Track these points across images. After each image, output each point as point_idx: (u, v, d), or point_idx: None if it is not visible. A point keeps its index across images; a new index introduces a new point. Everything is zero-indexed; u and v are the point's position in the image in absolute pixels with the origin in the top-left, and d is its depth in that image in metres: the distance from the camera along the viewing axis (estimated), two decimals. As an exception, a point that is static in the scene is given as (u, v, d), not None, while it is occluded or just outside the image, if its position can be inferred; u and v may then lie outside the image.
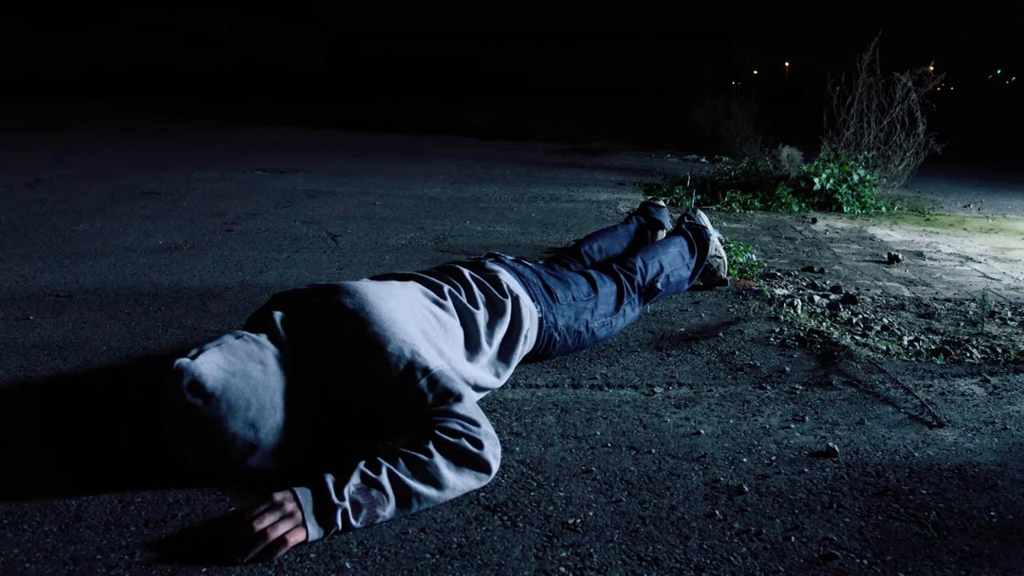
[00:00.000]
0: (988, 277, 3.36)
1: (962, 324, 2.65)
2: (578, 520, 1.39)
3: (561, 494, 1.48)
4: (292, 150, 7.68)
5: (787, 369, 2.16)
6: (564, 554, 1.29)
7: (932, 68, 5.78)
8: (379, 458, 1.41)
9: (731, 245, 3.39)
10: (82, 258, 3.17)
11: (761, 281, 3.11)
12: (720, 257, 2.91)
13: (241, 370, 1.45)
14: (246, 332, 1.57)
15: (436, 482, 1.41)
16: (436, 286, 1.86)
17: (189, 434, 1.41)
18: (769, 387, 2.04)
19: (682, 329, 2.48)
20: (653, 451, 1.66)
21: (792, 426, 1.80)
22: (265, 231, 3.80)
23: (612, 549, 1.31)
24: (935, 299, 2.95)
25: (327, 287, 1.70)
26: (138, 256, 3.23)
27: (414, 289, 1.80)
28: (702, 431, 1.76)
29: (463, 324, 1.83)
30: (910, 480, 1.57)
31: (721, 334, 2.44)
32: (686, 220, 2.84)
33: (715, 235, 2.86)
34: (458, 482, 1.43)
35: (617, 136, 10.31)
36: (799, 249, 3.82)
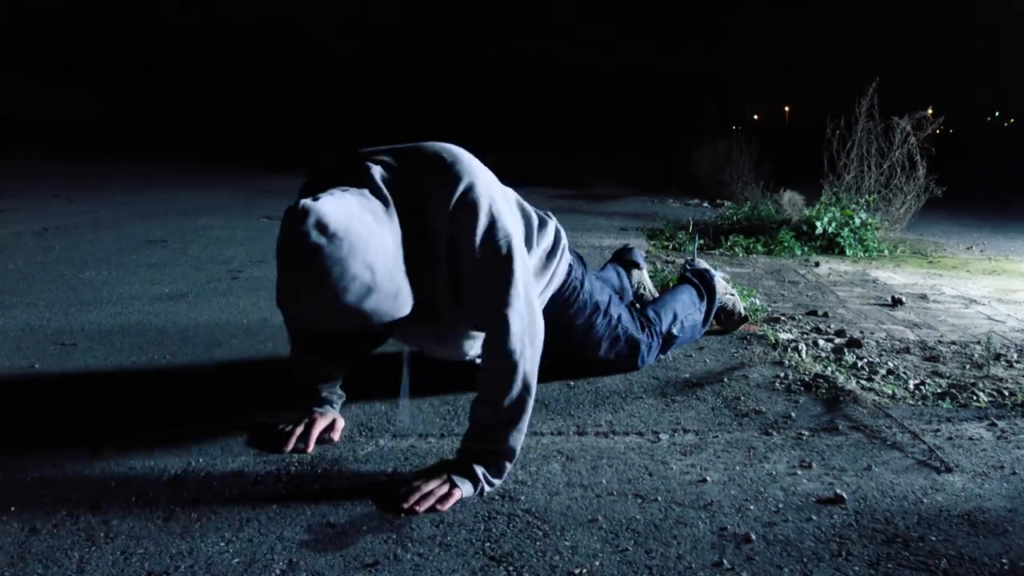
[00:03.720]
0: (992, 319, 3.35)
1: (968, 367, 2.64)
2: (584, 570, 1.37)
3: (567, 543, 1.46)
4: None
5: (793, 414, 2.15)
6: (570, 605, 1.27)
7: (930, 112, 5.85)
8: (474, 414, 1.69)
9: (734, 290, 3.39)
10: (88, 306, 3.18)
11: (765, 325, 3.11)
12: (732, 295, 2.92)
13: (358, 215, 1.47)
14: (350, 187, 1.57)
15: (525, 386, 1.68)
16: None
17: (311, 272, 1.41)
18: (775, 433, 2.03)
19: (687, 375, 2.47)
20: (659, 499, 1.65)
21: (799, 472, 1.79)
22: (270, 278, 3.81)
23: (619, 600, 1.29)
24: (940, 342, 2.95)
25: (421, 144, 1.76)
26: (143, 304, 3.24)
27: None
28: (708, 478, 1.75)
29: (523, 216, 1.96)
30: (919, 527, 1.55)
31: (726, 379, 2.44)
32: (688, 268, 2.84)
33: (719, 275, 2.86)
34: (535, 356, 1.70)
35: (619, 180, 10.39)
36: (803, 293, 3.83)
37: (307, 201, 1.43)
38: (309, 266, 1.41)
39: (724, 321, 2.90)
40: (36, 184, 8.29)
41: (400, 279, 1.53)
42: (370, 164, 1.65)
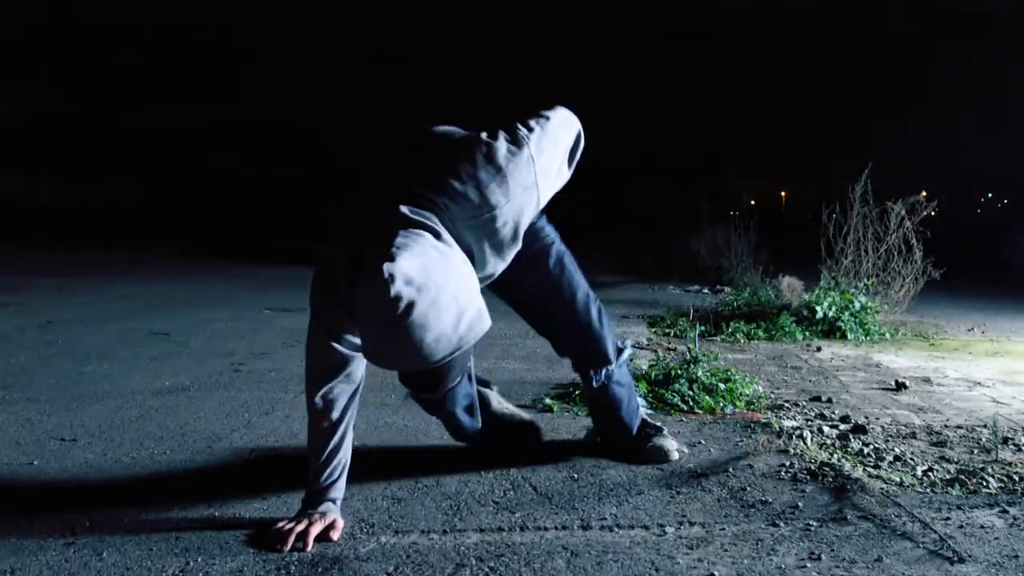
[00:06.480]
0: (998, 402, 3.33)
1: (976, 451, 2.61)
2: (591, 673, 1.33)
3: (573, 644, 1.42)
4: (301, 288, 7.75)
5: (800, 504, 2.12)
6: None
7: (924, 196, 5.95)
8: None
9: (737, 376, 3.39)
10: (89, 401, 3.17)
11: (769, 413, 3.09)
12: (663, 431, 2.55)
13: (428, 254, 1.60)
14: (400, 231, 1.65)
15: None
16: None
17: (412, 324, 1.51)
18: (783, 524, 1.99)
19: (691, 465, 2.44)
20: (667, 595, 1.61)
21: (808, 565, 1.75)
22: (272, 371, 3.82)
23: None
24: (946, 426, 2.92)
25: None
26: (145, 398, 3.23)
27: None
28: (716, 573, 1.71)
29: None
30: (934, 622, 1.51)
31: (731, 469, 2.41)
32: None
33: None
34: None
35: (619, 269, 10.47)
36: (805, 378, 3.81)
37: (387, 264, 1.53)
38: (408, 319, 1.52)
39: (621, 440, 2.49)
40: (40, 277, 8.36)
41: (476, 294, 1.65)
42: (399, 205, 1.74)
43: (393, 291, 1.50)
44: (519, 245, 1.90)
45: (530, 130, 1.88)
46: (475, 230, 1.79)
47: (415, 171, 1.82)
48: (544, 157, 1.88)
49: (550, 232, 2.25)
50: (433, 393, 1.79)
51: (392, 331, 1.53)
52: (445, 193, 1.76)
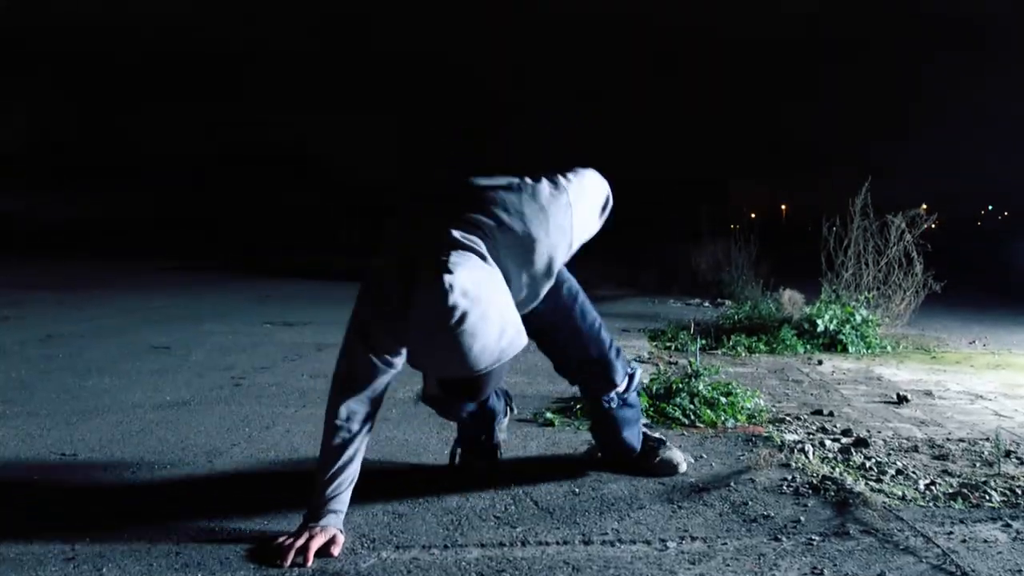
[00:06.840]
0: (1000, 415, 3.33)
1: (978, 465, 2.60)
2: None
3: (575, 660, 1.42)
4: (302, 302, 7.80)
5: (802, 519, 2.11)
6: None
7: (924, 208, 5.96)
8: None
9: (738, 390, 3.38)
10: (89, 415, 3.17)
11: (771, 426, 3.08)
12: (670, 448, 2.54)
13: (480, 272, 1.73)
14: (453, 251, 1.77)
15: None
16: None
17: (463, 332, 1.64)
18: (785, 538, 1.99)
19: (693, 479, 2.44)
20: (669, 611, 1.60)
21: (811, 580, 1.75)
22: (272, 385, 3.82)
23: None
24: (948, 439, 2.92)
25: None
26: (145, 412, 3.23)
27: None
28: (718, 588, 1.70)
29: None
30: (938, 637, 1.50)
31: (733, 483, 2.40)
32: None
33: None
34: None
35: (620, 282, 10.46)
36: (807, 392, 3.81)
37: (448, 276, 1.66)
38: (460, 327, 1.64)
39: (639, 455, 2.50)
40: (40, 290, 8.37)
41: (516, 314, 1.76)
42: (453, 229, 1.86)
43: (451, 300, 1.63)
44: (552, 281, 2.03)
45: (568, 180, 2.05)
46: (515, 259, 1.91)
47: (466, 200, 1.95)
48: (580, 205, 2.04)
49: (566, 271, 2.35)
50: (470, 400, 1.92)
51: (443, 338, 1.65)
52: (493, 222, 1.89)
